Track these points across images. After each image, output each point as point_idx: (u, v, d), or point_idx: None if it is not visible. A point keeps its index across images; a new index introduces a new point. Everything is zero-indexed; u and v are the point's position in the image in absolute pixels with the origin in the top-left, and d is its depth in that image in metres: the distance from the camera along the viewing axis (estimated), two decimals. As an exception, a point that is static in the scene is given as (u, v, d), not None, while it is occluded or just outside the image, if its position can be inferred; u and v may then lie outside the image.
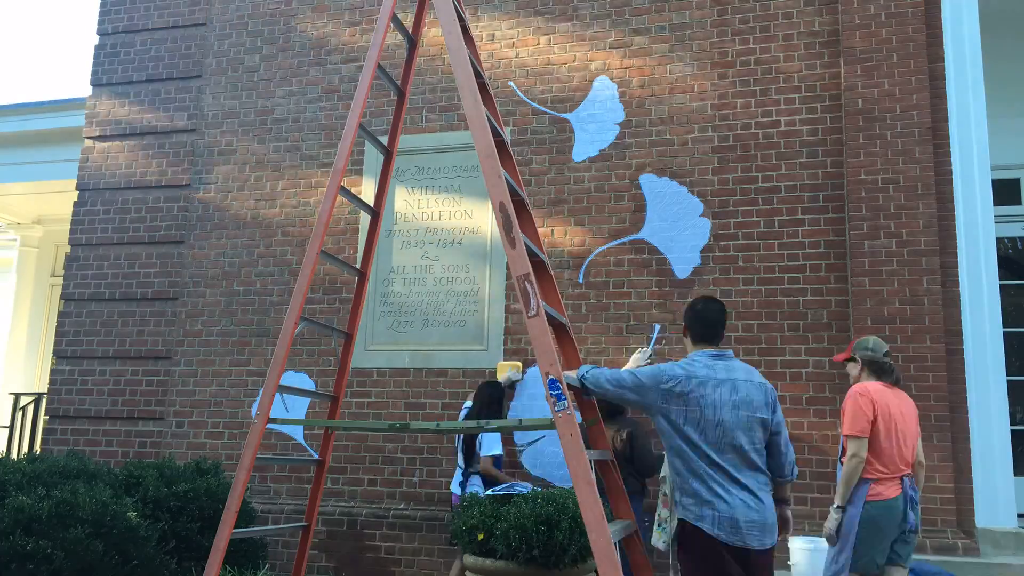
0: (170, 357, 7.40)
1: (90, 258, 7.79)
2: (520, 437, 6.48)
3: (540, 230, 6.00)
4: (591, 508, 3.02)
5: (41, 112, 9.34)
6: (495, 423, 3.72)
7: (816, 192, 6.32)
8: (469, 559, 5.06)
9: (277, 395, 4.32)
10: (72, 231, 7.90)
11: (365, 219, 7.09)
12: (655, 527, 5.42)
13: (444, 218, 7.03)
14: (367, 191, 7.18)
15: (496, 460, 5.92)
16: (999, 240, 6.60)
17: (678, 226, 6.53)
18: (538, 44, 7.10)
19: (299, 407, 6.99)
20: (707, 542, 3.22)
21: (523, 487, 5.22)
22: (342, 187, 4.13)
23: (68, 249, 7.95)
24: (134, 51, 8.14)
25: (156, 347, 7.45)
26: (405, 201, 7.13)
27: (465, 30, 4.18)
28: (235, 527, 3.84)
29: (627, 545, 3.76)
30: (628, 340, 6.46)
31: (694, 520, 3.27)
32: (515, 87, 7.06)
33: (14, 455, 8.60)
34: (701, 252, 6.45)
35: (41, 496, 4.87)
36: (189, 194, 7.70)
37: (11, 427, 9.70)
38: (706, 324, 3.59)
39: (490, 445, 5.89)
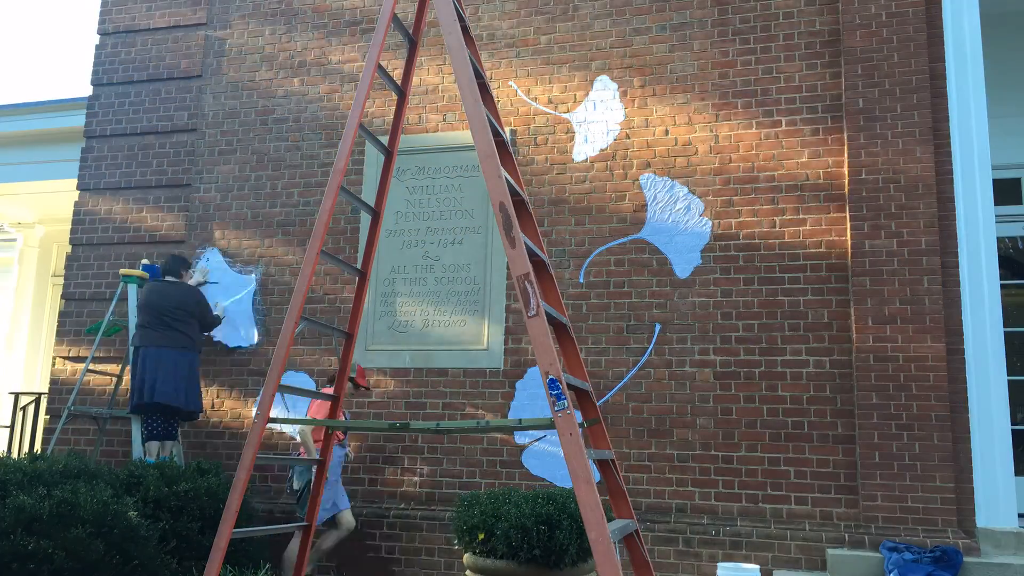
0: (170, 357, 7.39)
1: (90, 258, 7.79)
2: (520, 436, 6.49)
3: (540, 230, 6.00)
4: (591, 508, 3.02)
5: (41, 112, 9.33)
6: (496, 423, 3.72)
7: (816, 192, 6.32)
8: (469, 559, 5.06)
9: (278, 395, 4.34)
10: (72, 231, 7.90)
11: (365, 219, 7.09)
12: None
13: (444, 218, 7.02)
14: (367, 191, 7.18)
15: None
16: (999, 240, 6.59)
17: (678, 226, 6.53)
18: (538, 43, 7.10)
19: (300, 407, 6.99)
20: None
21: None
22: (342, 187, 4.13)
23: (68, 249, 7.95)
24: (134, 51, 8.14)
25: (156, 347, 7.43)
26: (406, 201, 7.13)
27: (465, 30, 4.17)
28: (236, 527, 3.84)
29: (627, 545, 3.76)
30: (628, 340, 6.46)
31: None
32: (515, 87, 7.06)
33: (15, 455, 8.60)
34: (701, 252, 6.45)
35: (42, 496, 4.86)
36: (189, 194, 7.70)
37: (11, 427, 9.69)
38: None
39: None
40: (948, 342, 5.85)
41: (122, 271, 7.37)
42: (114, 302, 7.23)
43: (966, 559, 5.30)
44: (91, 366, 7.35)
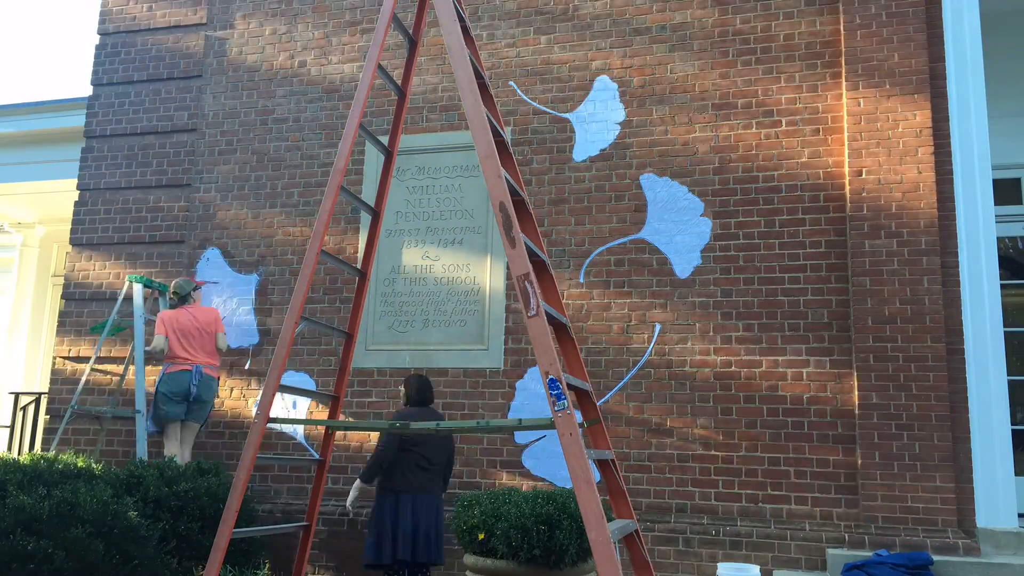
0: (170, 357, 7.39)
1: (90, 258, 7.79)
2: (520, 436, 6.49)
3: (540, 230, 5.99)
4: (591, 508, 3.02)
5: (41, 112, 9.33)
6: (496, 423, 3.71)
7: (817, 192, 6.32)
8: (469, 559, 5.06)
9: (278, 395, 4.33)
10: (72, 231, 7.90)
11: (366, 219, 7.09)
12: None
13: (445, 218, 7.02)
14: (367, 191, 7.18)
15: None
16: (999, 240, 6.60)
17: (678, 226, 6.53)
18: (538, 43, 7.10)
19: (300, 407, 6.99)
20: None
21: None
22: (342, 187, 4.13)
23: (68, 249, 7.95)
24: (134, 51, 8.14)
25: (156, 347, 7.44)
26: (406, 201, 7.13)
27: (465, 30, 4.18)
28: (236, 527, 3.84)
29: (627, 545, 3.76)
30: (629, 340, 6.46)
31: None
32: (515, 87, 7.06)
33: (15, 455, 8.60)
34: (701, 252, 6.45)
35: (42, 496, 4.87)
36: (189, 194, 7.70)
37: (11, 427, 9.70)
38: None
39: None
40: (948, 342, 5.85)
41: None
42: (119, 302, 7.23)
43: (966, 559, 5.30)
44: (94, 366, 7.35)
